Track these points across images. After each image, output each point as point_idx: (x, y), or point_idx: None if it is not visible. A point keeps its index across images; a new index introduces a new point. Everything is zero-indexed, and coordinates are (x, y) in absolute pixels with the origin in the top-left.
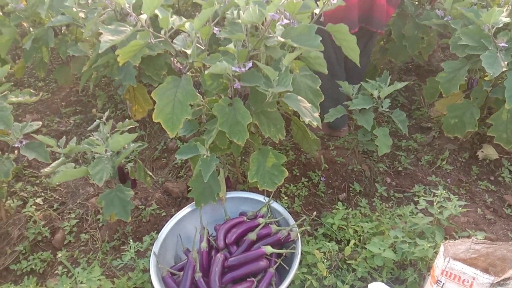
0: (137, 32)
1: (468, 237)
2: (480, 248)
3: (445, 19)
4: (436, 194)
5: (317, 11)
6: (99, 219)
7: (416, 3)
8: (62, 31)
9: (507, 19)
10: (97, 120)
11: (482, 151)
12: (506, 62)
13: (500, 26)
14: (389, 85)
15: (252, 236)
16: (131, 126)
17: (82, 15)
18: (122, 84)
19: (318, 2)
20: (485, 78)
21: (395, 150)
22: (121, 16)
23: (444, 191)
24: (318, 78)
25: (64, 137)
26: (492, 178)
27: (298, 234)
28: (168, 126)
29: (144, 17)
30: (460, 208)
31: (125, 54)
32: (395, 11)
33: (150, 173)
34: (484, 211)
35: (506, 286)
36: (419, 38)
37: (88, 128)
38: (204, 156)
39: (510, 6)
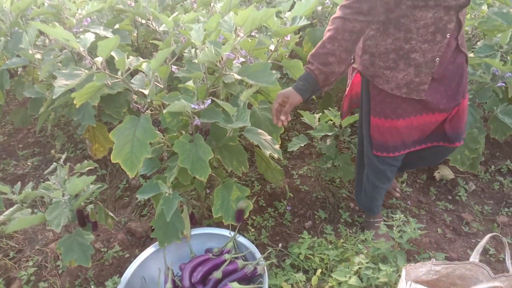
0: (93, 74)
1: (428, 258)
2: (440, 269)
3: None
4: (394, 219)
5: (272, 47)
6: (59, 265)
7: None
8: (19, 73)
9: None
10: (54, 163)
11: (438, 172)
12: None
13: None
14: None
15: (217, 274)
16: (90, 167)
17: (38, 56)
18: (81, 123)
19: (272, 40)
20: None
21: None
22: (78, 57)
23: (403, 215)
24: None
25: (19, 182)
26: (449, 197)
27: (265, 267)
28: (127, 166)
29: (99, 59)
30: (419, 231)
31: (81, 96)
32: None
33: (112, 214)
34: (444, 230)
35: None
36: None
37: (45, 172)
38: (166, 194)
39: None
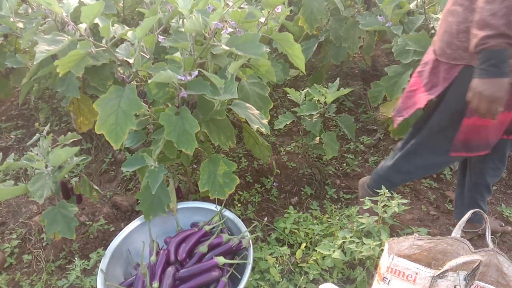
0: (77, 41)
1: (411, 233)
2: (422, 244)
3: (386, 25)
4: (379, 194)
5: (262, 19)
6: (43, 238)
7: (349, 4)
8: (0, 42)
9: None
10: (37, 134)
11: None
12: None
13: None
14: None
15: (203, 249)
16: (74, 139)
17: (20, 25)
18: (65, 96)
19: (263, 12)
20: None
21: (343, 153)
22: (62, 26)
23: (387, 190)
24: (266, 86)
25: (1, 153)
26: (434, 175)
27: (250, 241)
28: (112, 137)
29: (83, 26)
30: (403, 206)
31: (65, 65)
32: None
33: (97, 187)
34: (428, 207)
35: (446, 277)
36: (357, 39)
37: (28, 143)
38: (152, 167)
39: None
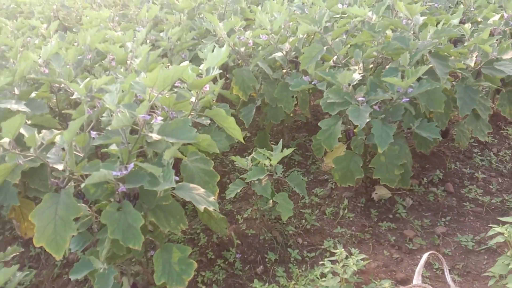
0: (4, 155)
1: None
2: None
3: (312, 83)
4: (336, 254)
5: (193, 99)
6: None
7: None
8: None
9: (359, 77)
10: None
11: (376, 193)
12: (368, 113)
13: (355, 83)
14: (282, 148)
15: None
16: (15, 253)
17: None
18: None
19: (192, 92)
20: (355, 130)
21: (300, 208)
22: None
23: (343, 249)
24: (210, 160)
25: None
26: (390, 216)
27: None
28: (53, 248)
29: (6, 140)
30: (363, 262)
31: None
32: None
33: None
34: (390, 251)
35: None
36: (290, 98)
37: None
38: (101, 270)
39: (361, 65)
